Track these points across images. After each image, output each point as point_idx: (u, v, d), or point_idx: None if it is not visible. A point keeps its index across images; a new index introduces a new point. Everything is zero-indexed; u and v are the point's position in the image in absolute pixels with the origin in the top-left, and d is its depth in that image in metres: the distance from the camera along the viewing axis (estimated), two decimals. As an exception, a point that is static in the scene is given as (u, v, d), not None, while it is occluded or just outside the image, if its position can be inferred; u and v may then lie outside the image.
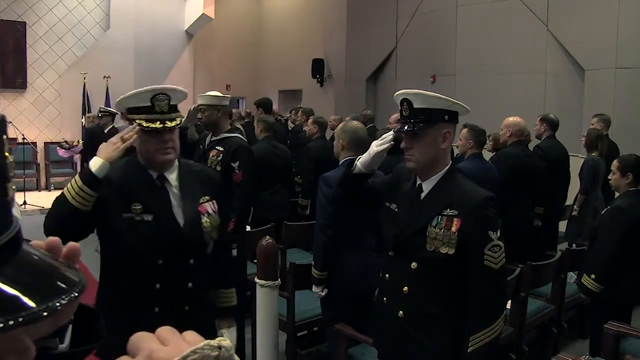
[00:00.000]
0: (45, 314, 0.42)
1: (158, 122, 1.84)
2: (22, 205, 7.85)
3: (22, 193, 8.28)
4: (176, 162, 1.96)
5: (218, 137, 3.39)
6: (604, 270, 3.04)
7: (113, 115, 7.16)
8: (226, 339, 0.46)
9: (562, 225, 5.02)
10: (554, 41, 6.63)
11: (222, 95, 3.49)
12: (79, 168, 8.76)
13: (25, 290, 0.43)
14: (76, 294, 0.46)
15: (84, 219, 1.79)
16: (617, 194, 3.34)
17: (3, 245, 0.44)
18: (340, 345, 2.73)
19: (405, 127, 1.86)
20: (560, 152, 4.85)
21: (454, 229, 1.78)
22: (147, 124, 1.83)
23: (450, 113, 1.87)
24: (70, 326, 0.51)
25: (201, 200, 1.95)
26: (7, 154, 0.47)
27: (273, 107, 7.23)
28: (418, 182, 1.93)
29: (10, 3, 9.64)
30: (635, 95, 5.73)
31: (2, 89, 9.68)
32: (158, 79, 10.86)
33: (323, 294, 2.85)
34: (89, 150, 7.31)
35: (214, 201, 2.00)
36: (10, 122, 8.20)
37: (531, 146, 4.70)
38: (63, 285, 0.46)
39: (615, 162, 3.28)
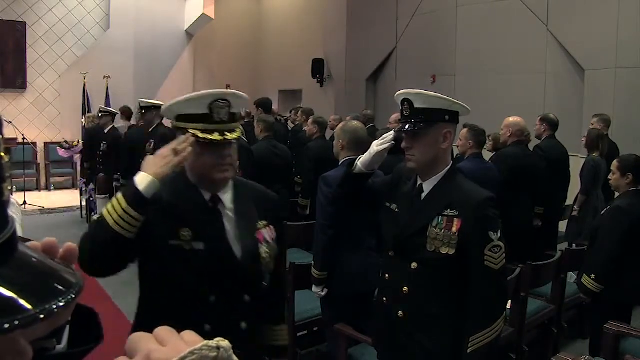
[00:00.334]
0: (42, 316, 0.42)
1: (217, 134, 1.55)
2: (22, 205, 7.84)
3: (22, 193, 8.28)
4: (231, 181, 1.68)
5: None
6: (604, 270, 3.03)
7: (113, 115, 7.15)
8: (225, 339, 0.44)
9: (562, 225, 5.01)
10: (554, 41, 6.62)
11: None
12: (79, 168, 8.74)
13: (21, 292, 0.42)
14: (73, 296, 0.46)
15: (128, 248, 1.49)
16: (617, 194, 3.34)
17: None
18: (340, 345, 2.72)
19: (406, 127, 1.86)
20: (560, 152, 4.85)
21: (454, 229, 1.78)
22: (204, 135, 1.54)
23: (450, 113, 1.87)
24: (68, 327, 0.51)
25: (259, 226, 1.68)
26: (2, 154, 0.47)
27: (273, 107, 7.22)
28: (419, 182, 1.93)
29: (10, 3, 9.64)
30: (635, 95, 5.72)
31: (2, 89, 9.68)
32: (158, 79, 10.88)
33: (323, 294, 2.85)
34: (88, 150, 7.32)
35: (271, 227, 1.73)
36: (10, 122, 8.23)
37: (531, 146, 4.70)
38: (60, 287, 0.46)
39: (615, 162, 3.28)
